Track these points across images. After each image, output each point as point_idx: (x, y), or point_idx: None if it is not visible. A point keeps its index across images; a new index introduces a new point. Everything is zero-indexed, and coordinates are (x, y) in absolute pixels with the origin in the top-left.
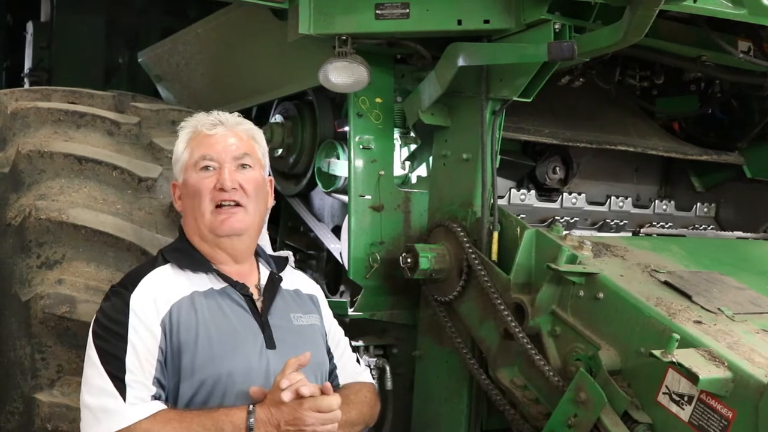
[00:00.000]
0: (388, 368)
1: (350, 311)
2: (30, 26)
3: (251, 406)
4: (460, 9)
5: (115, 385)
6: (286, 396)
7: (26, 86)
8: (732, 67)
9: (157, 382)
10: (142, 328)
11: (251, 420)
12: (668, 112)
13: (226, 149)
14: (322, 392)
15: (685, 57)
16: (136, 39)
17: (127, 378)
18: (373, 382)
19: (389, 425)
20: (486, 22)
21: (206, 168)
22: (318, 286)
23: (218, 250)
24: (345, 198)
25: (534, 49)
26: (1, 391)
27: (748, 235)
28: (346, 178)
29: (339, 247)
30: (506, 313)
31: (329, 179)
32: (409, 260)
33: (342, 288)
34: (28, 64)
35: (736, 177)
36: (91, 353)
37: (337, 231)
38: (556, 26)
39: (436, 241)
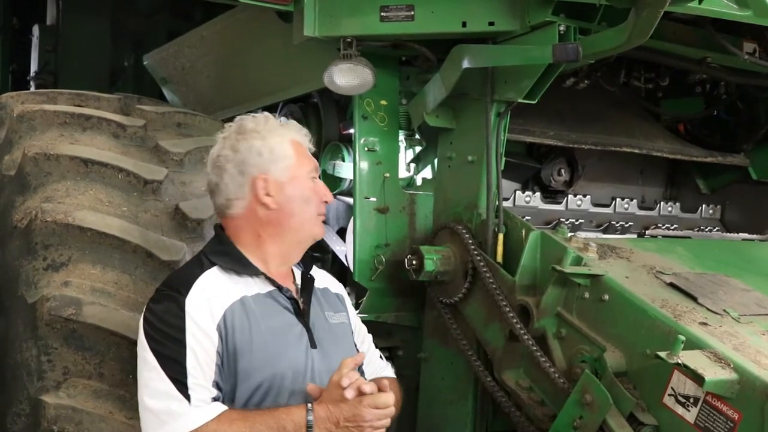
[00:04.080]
0: (393, 370)
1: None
2: (36, 29)
3: (310, 405)
4: (464, 11)
5: (178, 389)
6: (350, 393)
7: (32, 89)
8: (737, 68)
9: (216, 385)
10: (200, 333)
11: (310, 418)
12: (673, 114)
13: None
14: (379, 389)
15: (690, 59)
16: (141, 42)
17: (190, 381)
18: (395, 377)
19: (394, 427)
20: (491, 24)
21: (313, 179)
22: (341, 284)
23: (290, 251)
24: (350, 200)
25: (539, 51)
26: (7, 393)
27: (754, 236)
28: (351, 180)
29: (344, 249)
30: (511, 315)
31: (334, 181)
32: (414, 262)
33: (347, 290)
34: (34, 67)
35: (741, 179)
36: (148, 356)
37: (342, 233)
38: (561, 28)
39: (441, 243)
